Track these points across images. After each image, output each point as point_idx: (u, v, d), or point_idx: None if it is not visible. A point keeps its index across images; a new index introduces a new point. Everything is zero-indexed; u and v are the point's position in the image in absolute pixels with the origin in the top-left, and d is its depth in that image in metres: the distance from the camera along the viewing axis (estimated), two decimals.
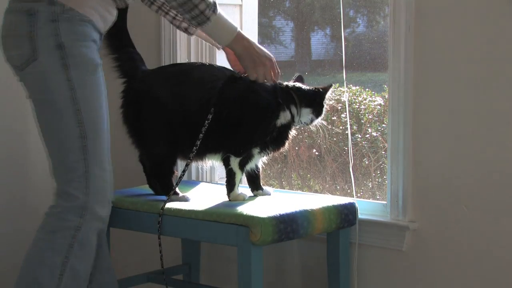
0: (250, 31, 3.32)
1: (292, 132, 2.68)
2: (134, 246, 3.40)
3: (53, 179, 2.49)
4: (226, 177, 2.65)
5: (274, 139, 2.64)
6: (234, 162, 2.62)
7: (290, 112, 2.64)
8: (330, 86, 2.68)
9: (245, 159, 2.63)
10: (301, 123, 2.68)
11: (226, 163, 2.64)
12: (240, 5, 3.30)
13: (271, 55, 2.61)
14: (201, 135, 2.58)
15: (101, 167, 2.45)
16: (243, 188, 2.71)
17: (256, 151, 2.63)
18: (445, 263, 2.56)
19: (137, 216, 2.66)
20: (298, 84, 2.69)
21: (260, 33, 3.50)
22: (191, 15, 2.47)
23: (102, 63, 2.49)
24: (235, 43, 2.54)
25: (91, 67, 2.43)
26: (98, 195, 2.44)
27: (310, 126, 2.70)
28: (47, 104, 2.43)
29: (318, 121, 2.69)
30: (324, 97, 2.67)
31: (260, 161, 2.70)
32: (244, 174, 2.68)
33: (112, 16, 2.54)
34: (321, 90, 2.67)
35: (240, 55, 2.57)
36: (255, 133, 2.60)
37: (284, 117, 2.63)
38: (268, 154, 2.68)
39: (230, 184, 2.64)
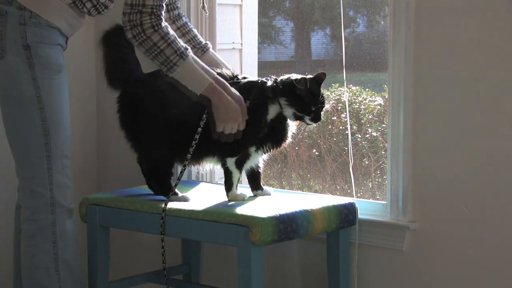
0: (250, 31, 3.31)
1: (291, 127, 2.62)
2: (134, 246, 3.40)
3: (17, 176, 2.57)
4: (224, 176, 2.64)
5: (269, 135, 2.60)
6: (230, 161, 2.61)
7: (280, 105, 2.57)
8: (320, 75, 2.53)
9: (242, 158, 2.62)
10: (291, 118, 2.57)
11: (223, 162, 2.64)
12: (240, 5, 3.30)
13: (241, 98, 2.53)
14: (194, 141, 2.57)
15: (62, 162, 2.53)
16: (243, 188, 2.71)
17: (252, 149, 2.62)
18: (445, 263, 2.56)
19: (137, 216, 2.65)
20: (285, 76, 2.58)
21: (260, 33, 3.50)
22: (159, 61, 2.47)
23: (65, 65, 2.55)
24: (210, 93, 2.51)
25: (55, 67, 2.50)
26: (60, 189, 2.53)
27: (308, 126, 2.60)
28: (13, 100, 2.50)
29: (309, 121, 2.55)
30: (300, 89, 2.52)
31: (260, 159, 2.69)
32: (244, 174, 2.68)
33: (80, 22, 2.60)
34: (295, 80, 2.53)
35: (215, 105, 2.51)
36: (246, 132, 2.58)
37: (274, 111, 2.57)
38: (267, 151, 2.64)
39: (228, 184, 2.63)
